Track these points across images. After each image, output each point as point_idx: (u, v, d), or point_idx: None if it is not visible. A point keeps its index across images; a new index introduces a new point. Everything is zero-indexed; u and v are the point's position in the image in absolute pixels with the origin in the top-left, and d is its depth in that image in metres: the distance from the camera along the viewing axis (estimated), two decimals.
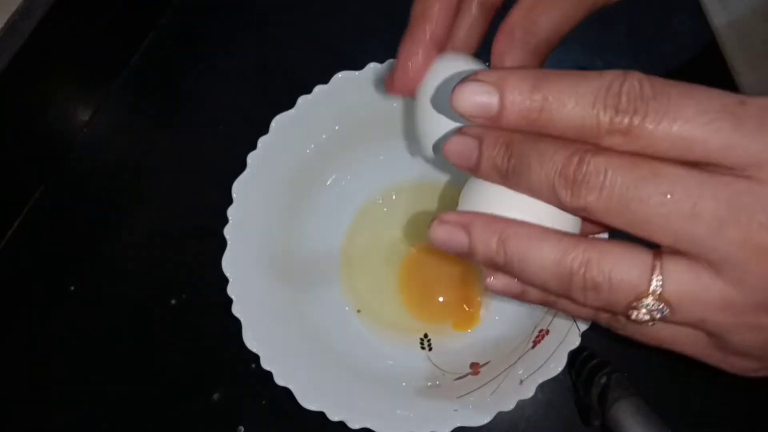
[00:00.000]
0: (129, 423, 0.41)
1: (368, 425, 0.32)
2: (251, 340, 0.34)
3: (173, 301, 0.43)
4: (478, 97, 0.19)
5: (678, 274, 0.18)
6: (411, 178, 0.42)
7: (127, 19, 0.50)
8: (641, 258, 0.18)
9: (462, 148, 0.21)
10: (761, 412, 0.38)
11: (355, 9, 0.51)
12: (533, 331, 0.34)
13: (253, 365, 0.40)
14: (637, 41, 0.47)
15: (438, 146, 0.26)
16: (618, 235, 0.19)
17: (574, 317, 0.30)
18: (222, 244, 0.36)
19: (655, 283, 0.18)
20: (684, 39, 0.47)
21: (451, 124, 0.25)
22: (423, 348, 0.39)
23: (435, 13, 0.25)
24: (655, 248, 0.19)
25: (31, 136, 0.46)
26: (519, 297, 0.22)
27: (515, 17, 0.24)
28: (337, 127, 0.39)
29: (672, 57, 0.47)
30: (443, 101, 0.25)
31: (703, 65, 0.46)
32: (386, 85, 0.27)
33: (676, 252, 0.18)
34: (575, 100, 0.18)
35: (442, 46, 0.26)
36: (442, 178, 0.40)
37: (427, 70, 0.26)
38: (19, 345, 0.44)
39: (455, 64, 0.25)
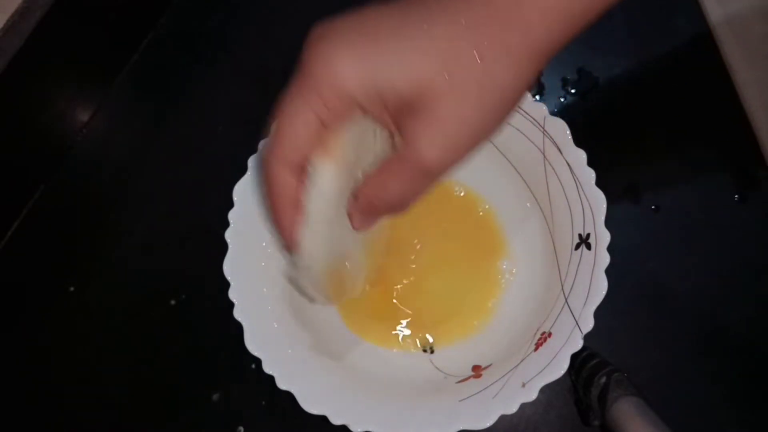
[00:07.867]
0: (129, 423, 0.41)
1: (370, 428, 0.32)
2: (252, 344, 0.34)
3: (173, 302, 0.43)
4: None
5: None
6: None
7: (127, 19, 0.50)
8: None
9: None
10: (761, 412, 0.38)
11: (354, 9, 0.51)
12: (535, 333, 0.34)
13: (253, 366, 0.40)
14: (636, 40, 0.48)
15: None
16: None
17: None
18: (222, 244, 0.36)
19: None
20: (682, 37, 0.47)
21: None
22: (425, 351, 0.39)
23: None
24: None
25: (31, 136, 0.46)
26: None
27: None
28: None
29: (670, 55, 0.47)
30: None
31: (700, 63, 0.46)
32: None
33: None
34: None
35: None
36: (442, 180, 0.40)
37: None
38: (18, 345, 0.44)
39: None
